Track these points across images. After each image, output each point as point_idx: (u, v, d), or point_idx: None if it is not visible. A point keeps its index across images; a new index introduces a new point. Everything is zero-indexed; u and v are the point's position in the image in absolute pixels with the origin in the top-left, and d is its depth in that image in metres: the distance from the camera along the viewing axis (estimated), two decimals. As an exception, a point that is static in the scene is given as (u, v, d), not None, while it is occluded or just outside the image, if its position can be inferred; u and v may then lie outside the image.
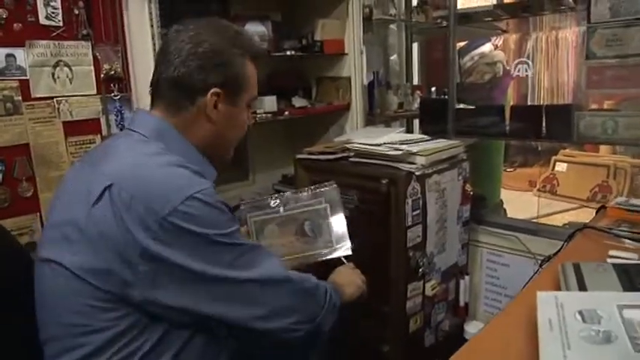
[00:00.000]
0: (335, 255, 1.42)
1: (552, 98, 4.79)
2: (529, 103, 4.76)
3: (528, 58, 4.88)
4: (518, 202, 4.03)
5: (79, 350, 0.90)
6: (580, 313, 0.86)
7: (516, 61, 4.63)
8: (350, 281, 1.31)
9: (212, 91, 1.02)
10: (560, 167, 4.60)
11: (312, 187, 1.46)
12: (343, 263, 1.41)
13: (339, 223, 1.45)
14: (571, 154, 4.64)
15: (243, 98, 1.08)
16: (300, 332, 1.06)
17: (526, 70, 4.60)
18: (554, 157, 4.68)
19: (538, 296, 0.92)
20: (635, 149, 4.08)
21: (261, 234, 1.43)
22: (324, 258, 1.42)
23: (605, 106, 3.00)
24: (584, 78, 1.70)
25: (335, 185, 1.46)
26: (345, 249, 1.42)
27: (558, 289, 1.07)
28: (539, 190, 4.68)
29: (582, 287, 1.00)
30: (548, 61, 4.82)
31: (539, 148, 4.94)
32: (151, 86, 1.07)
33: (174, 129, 1.03)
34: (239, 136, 1.14)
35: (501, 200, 3.06)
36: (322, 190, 1.46)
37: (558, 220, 3.93)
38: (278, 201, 1.45)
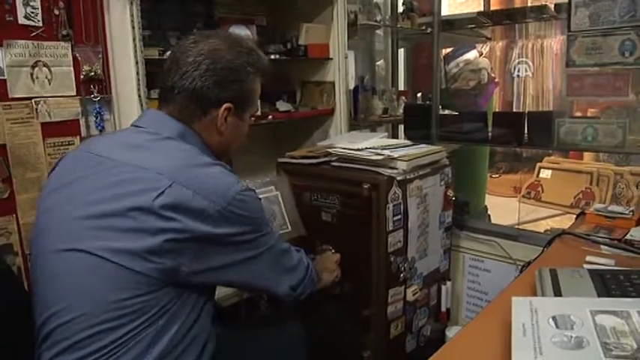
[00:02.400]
0: (291, 237, 1.52)
1: (537, 105, 4.85)
2: (514, 110, 4.82)
3: (514, 66, 4.94)
4: (503, 207, 4.05)
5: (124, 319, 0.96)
6: (554, 318, 0.87)
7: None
8: (326, 267, 1.48)
9: (225, 106, 1.10)
10: (545, 174, 4.64)
11: (261, 179, 1.61)
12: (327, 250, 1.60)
13: (291, 210, 1.57)
14: (555, 161, 4.68)
15: (248, 112, 1.18)
16: (289, 298, 1.23)
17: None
18: (538, 164, 4.72)
19: (513, 301, 0.93)
20: (618, 157, 4.14)
21: None
22: None
23: (589, 114, 3.04)
24: (565, 85, 1.72)
25: (285, 176, 1.61)
26: (301, 233, 1.56)
27: (535, 294, 1.08)
28: (523, 196, 4.71)
29: (558, 293, 1.01)
30: (534, 70, 4.88)
31: (524, 155, 4.98)
32: (160, 88, 1.13)
33: (193, 132, 1.11)
34: (239, 145, 1.24)
35: (486, 206, 3.07)
36: (272, 179, 1.62)
37: (542, 227, 3.97)
38: None
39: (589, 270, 1.10)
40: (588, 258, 1.25)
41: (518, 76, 4.65)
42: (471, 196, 2.63)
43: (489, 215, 2.99)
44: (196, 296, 1.06)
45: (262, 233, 1.11)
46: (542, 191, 4.59)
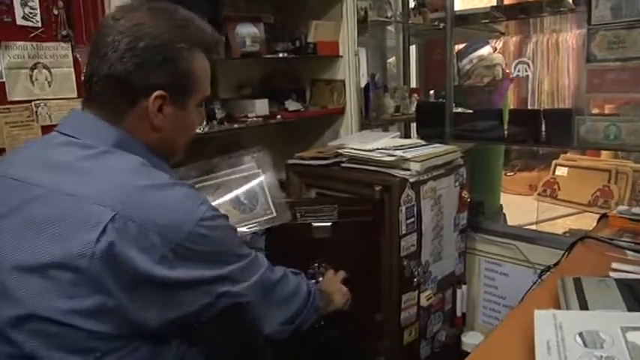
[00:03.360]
0: (276, 223, 1.38)
1: (553, 102, 4.74)
2: (529, 107, 4.72)
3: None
4: (519, 206, 3.98)
5: None
6: (581, 335, 0.80)
7: (516, 61, 4.58)
8: (337, 289, 1.34)
9: (155, 94, 0.88)
10: (561, 171, 4.53)
11: (241, 153, 1.43)
12: (324, 269, 1.46)
13: (275, 191, 1.40)
14: (572, 158, 4.57)
15: (192, 100, 0.95)
16: (284, 334, 1.07)
17: (526, 70, 4.56)
18: (554, 161, 4.61)
19: (535, 314, 0.86)
20: (638, 154, 4.01)
21: None
22: (264, 227, 1.38)
23: (606, 111, 2.94)
24: (585, 81, 1.64)
25: (265, 151, 1.42)
26: (286, 218, 1.40)
27: (558, 305, 1.01)
28: (539, 194, 4.61)
29: (583, 305, 0.94)
30: (548, 65, 4.77)
31: (540, 152, 4.88)
32: (85, 82, 0.93)
33: (132, 136, 0.91)
34: (189, 139, 1.02)
35: (501, 205, 3.00)
36: (253, 155, 1.41)
37: (559, 226, 3.88)
38: (206, 167, 1.38)
39: (616, 280, 1.03)
40: (614, 265, 1.18)
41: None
42: (485, 196, 2.56)
43: (504, 215, 2.91)
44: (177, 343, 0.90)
45: (237, 267, 0.93)
46: (559, 189, 4.48)
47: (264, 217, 1.37)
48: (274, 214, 1.38)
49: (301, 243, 1.53)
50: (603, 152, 4.45)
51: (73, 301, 0.77)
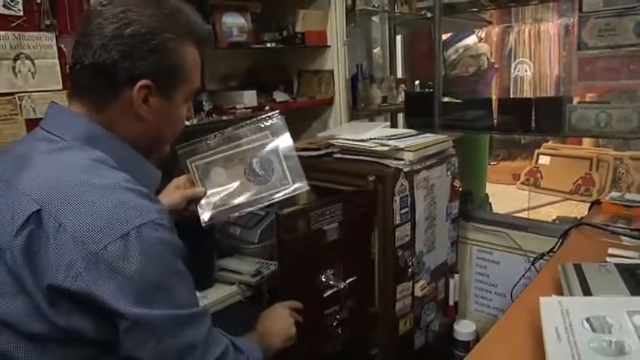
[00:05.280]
0: (293, 193, 1.30)
1: (535, 91, 4.79)
2: (511, 96, 4.76)
3: (510, 51, 4.87)
4: (503, 195, 4.00)
5: None
6: (588, 320, 0.80)
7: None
8: (280, 329, 1.17)
9: (140, 83, 0.84)
10: (544, 160, 4.59)
11: (255, 119, 1.32)
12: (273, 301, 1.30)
13: (290, 157, 1.32)
14: (554, 147, 4.64)
15: (179, 92, 0.91)
16: None
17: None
18: (537, 150, 4.67)
19: (541, 302, 0.86)
20: (617, 141, 4.08)
21: (206, 179, 1.28)
22: (281, 198, 1.30)
23: (587, 99, 2.97)
24: (576, 69, 1.65)
25: (280, 115, 1.33)
26: (303, 187, 1.31)
27: (560, 291, 1.01)
28: (522, 183, 4.67)
29: (586, 291, 0.95)
30: (530, 54, 4.81)
31: (522, 142, 4.93)
32: (69, 71, 0.89)
33: (105, 130, 0.86)
34: (176, 133, 0.98)
35: (487, 194, 3.02)
36: (267, 123, 1.32)
37: (543, 213, 3.92)
38: (217, 139, 1.30)
39: (616, 265, 1.04)
40: (611, 251, 1.19)
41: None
42: (472, 185, 2.57)
43: (490, 204, 2.93)
44: None
45: (157, 315, 0.76)
46: (542, 178, 4.55)
47: (281, 189, 1.30)
48: (290, 183, 1.30)
49: (313, 249, 1.43)
50: (585, 141, 4.51)
51: (3, 301, 0.74)
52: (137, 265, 0.74)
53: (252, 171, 1.30)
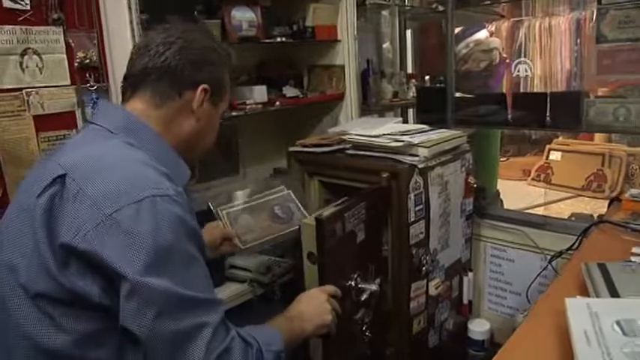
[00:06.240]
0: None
1: (545, 86, 4.72)
2: (521, 91, 4.69)
3: (520, 46, 4.80)
4: (513, 191, 3.96)
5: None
6: (618, 323, 0.77)
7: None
8: (314, 314, 1.11)
9: (202, 86, 0.99)
10: (555, 156, 4.53)
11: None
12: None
13: (305, 206, 1.61)
14: (565, 142, 4.57)
15: (222, 103, 1.07)
16: None
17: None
18: (548, 146, 4.61)
19: (567, 303, 0.83)
20: (630, 137, 4.01)
21: (236, 224, 1.51)
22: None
23: (600, 93, 2.92)
24: (595, 63, 1.60)
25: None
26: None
27: (583, 291, 0.98)
28: (533, 179, 4.61)
29: (613, 291, 0.91)
30: (540, 49, 4.74)
31: (533, 137, 4.87)
32: (125, 79, 1.01)
33: (148, 124, 0.96)
34: (212, 141, 1.10)
35: (498, 191, 2.97)
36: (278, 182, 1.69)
37: (554, 210, 3.87)
38: (242, 194, 1.64)
39: (643, 264, 1.00)
40: (635, 249, 1.15)
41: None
42: (484, 181, 2.53)
43: (501, 200, 2.89)
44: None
45: (166, 288, 0.76)
46: (553, 174, 4.49)
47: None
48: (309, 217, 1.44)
49: (348, 252, 1.38)
50: (596, 136, 4.44)
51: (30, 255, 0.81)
52: (147, 228, 0.77)
53: (274, 215, 1.57)
